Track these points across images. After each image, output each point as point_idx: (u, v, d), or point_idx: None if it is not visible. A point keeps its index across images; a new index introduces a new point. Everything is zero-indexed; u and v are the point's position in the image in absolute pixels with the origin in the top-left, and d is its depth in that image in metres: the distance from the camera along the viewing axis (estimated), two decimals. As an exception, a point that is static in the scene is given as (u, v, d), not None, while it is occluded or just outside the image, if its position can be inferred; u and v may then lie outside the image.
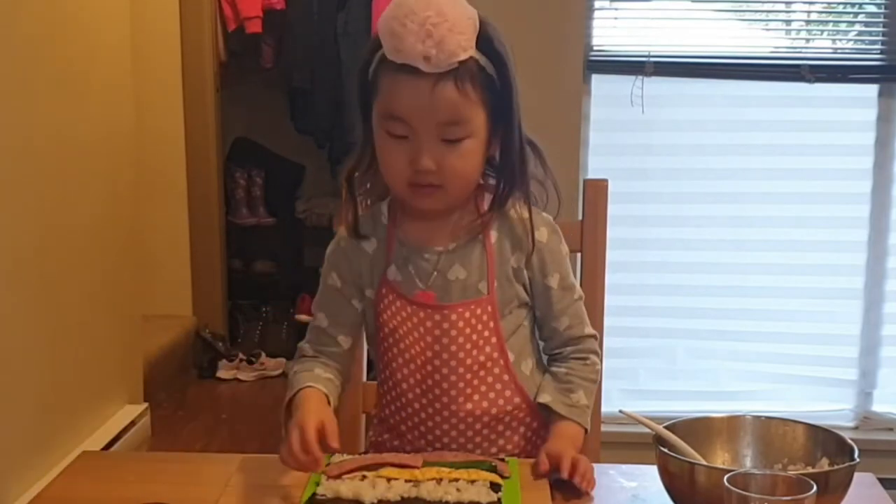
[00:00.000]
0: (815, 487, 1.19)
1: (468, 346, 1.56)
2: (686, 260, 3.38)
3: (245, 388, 4.53)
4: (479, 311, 1.56)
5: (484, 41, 1.47)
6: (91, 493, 1.47)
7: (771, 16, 3.51)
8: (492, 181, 1.58)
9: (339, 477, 1.43)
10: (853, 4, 3.46)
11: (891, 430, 3.40)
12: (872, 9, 3.38)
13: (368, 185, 1.60)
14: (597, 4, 3.26)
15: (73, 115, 3.10)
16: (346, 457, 1.51)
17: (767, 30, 3.53)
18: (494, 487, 1.41)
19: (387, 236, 1.59)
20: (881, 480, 1.50)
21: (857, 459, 1.34)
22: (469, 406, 1.58)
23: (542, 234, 1.59)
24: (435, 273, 1.56)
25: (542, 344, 1.65)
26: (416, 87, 1.45)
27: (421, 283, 1.57)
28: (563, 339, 1.62)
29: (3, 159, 2.67)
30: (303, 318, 4.92)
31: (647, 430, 1.41)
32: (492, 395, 1.58)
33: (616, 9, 3.36)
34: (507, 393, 1.59)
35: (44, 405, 2.91)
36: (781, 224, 3.35)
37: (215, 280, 4.79)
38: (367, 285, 1.61)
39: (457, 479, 1.41)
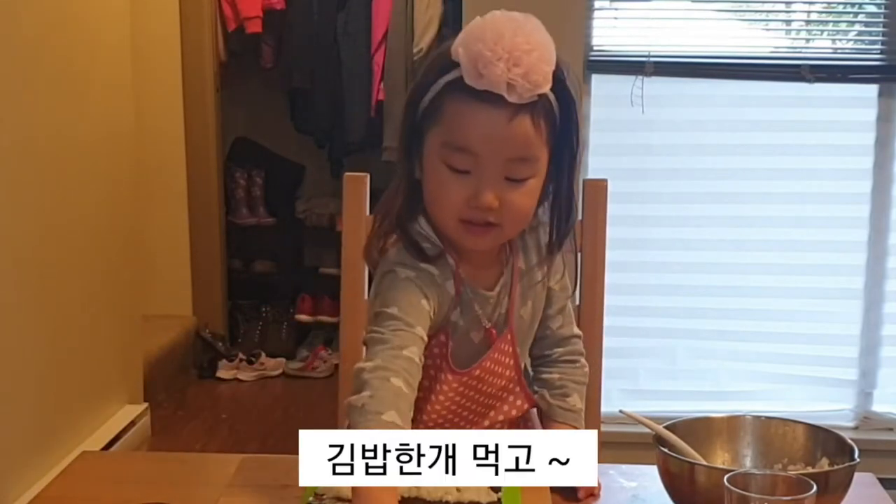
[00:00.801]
0: (815, 487, 1.19)
1: (493, 378, 1.54)
2: (686, 260, 3.38)
3: (245, 388, 4.53)
4: (504, 347, 1.53)
5: (557, 80, 1.39)
6: (91, 493, 1.47)
7: (771, 16, 3.51)
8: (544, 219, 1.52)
9: (339, 477, 1.43)
10: (853, 4, 3.46)
11: (891, 430, 3.40)
12: (872, 9, 3.38)
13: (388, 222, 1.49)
14: (597, 4, 3.26)
15: (73, 115, 3.11)
16: (346, 457, 1.51)
17: (767, 30, 3.53)
18: (494, 487, 1.41)
19: (455, 277, 1.48)
20: (881, 480, 1.50)
21: (857, 459, 1.34)
22: (486, 423, 1.58)
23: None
24: (496, 312, 1.52)
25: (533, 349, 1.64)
26: (492, 117, 1.36)
27: (486, 321, 1.51)
28: (555, 338, 1.62)
29: (3, 159, 2.68)
30: (303, 318, 4.93)
31: (647, 430, 1.41)
32: (506, 407, 1.58)
33: (616, 9, 3.36)
34: (519, 402, 1.59)
35: (44, 405, 2.91)
36: (781, 224, 3.35)
37: (215, 280, 4.79)
38: (433, 324, 1.45)
39: (457, 479, 1.41)
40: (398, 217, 1.46)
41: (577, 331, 1.63)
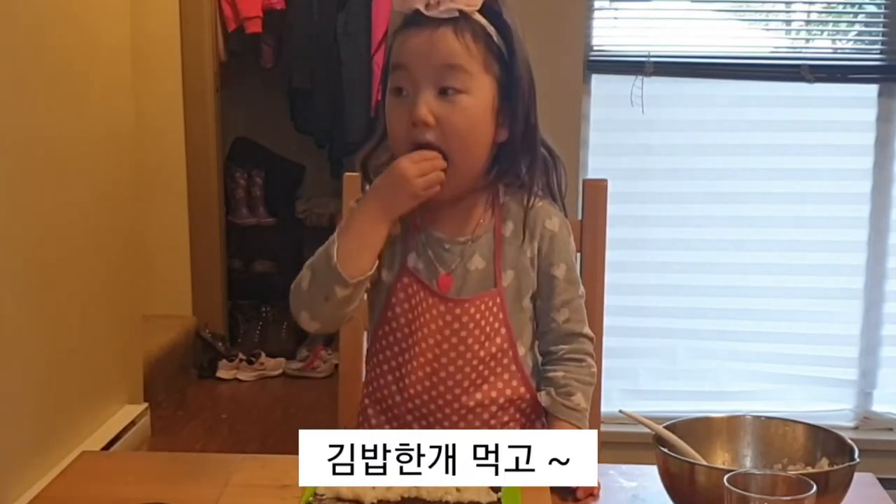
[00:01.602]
0: (815, 487, 1.19)
1: (482, 337, 1.56)
2: (686, 260, 3.38)
3: (245, 388, 4.53)
4: (490, 304, 1.57)
5: (491, 11, 1.52)
6: (91, 493, 1.47)
7: (771, 16, 3.51)
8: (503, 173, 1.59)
9: (339, 477, 1.43)
10: (853, 4, 3.46)
11: (891, 430, 3.40)
12: (872, 9, 3.38)
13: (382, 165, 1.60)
14: (597, 4, 3.26)
15: (73, 115, 3.11)
16: (346, 457, 1.51)
17: (767, 30, 3.53)
18: (494, 487, 1.41)
19: (411, 221, 1.59)
20: (881, 480, 1.50)
21: (857, 459, 1.34)
22: (478, 396, 1.58)
23: (553, 224, 1.60)
24: (458, 261, 1.58)
25: (538, 343, 1.64)
26: (416, 35, 1.50)
27: (442, 268, 1.58)
28: (561, 333, 1.61)
29: (3, 159, 2.68)
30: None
31: (647, 430, 1.41)
32: (500, 384, 1.59)
33: (616, 9, 3.36)
34: (514, 383, 1.59)
35: (44, 405, 2.91)
36: (781, 224, 3.35)
37: (215, 280, 4.79)
38: (387, 266, 1.60)
39: (457, 479, 1.41)
40: (361, 161, 1.65)
41: (587, 331, 1.63)
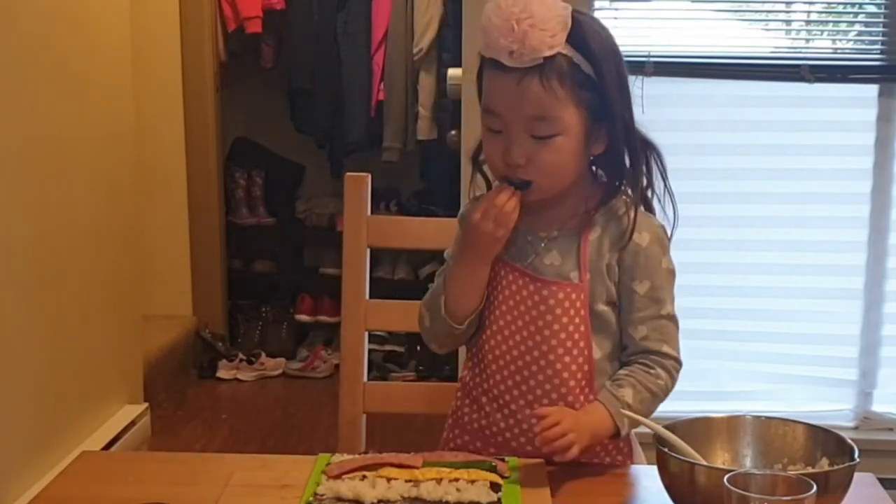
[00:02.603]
0: (815, 487, 1.19)
1: (569, 325, 1.56)
2: (686, 260, 3.33)
3: (245, 388, 4.53)
4: (572, 295, 1.56)
5: (577, 39, 1.51)
6: (91, 493, 1.47)
7: (771, 16, 3.51)
8: (604, 178, 1.60)
9: (339, 477, 1.43)
10: (853, 4, 3.46)
11: (891, 430, 3.40)
12: (872, 9, 3.38)
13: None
14: (597, 4, 3.26)
15: (73, 115, 3.11)
16: (346, 457, 1.51)
17: (767, 30, 3.53)
18: (494, 487, 1.41)
19: None
20: (881, 480, 1.50)
21: (857, 459, 1.34)
22: (551, 386, 1.56)
23: (642, 238, 1.58)
24: (533, 256, 1.59)
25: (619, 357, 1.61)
26: (503, 82, 1.51)
27: (518, 262, 1.59)
28: (638, 350, 1.58)
29: (3, 159, 2.68)
30: (303, 318, 4.93)
31: (647, 430, 1.41)
32: (572, 382, 1.56)
33: (616, 9, 3.36)
34: (584, 383, 1.57)
35: (44, 405, 2.91)
36: (781, 224, 3.35)
37: (215, 280, 4.79)
38: None
39: (457, 479, 1.42)
40: (473, 156, 1.65)
41: (667, 350, 1.57)
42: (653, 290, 1.57)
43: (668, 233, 1.62)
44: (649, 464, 1.47)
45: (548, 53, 1.48)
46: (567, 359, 1.56)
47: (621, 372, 1.57)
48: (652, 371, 1.56)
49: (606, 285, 1.58)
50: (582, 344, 1.56)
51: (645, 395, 1.54)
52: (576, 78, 1.51)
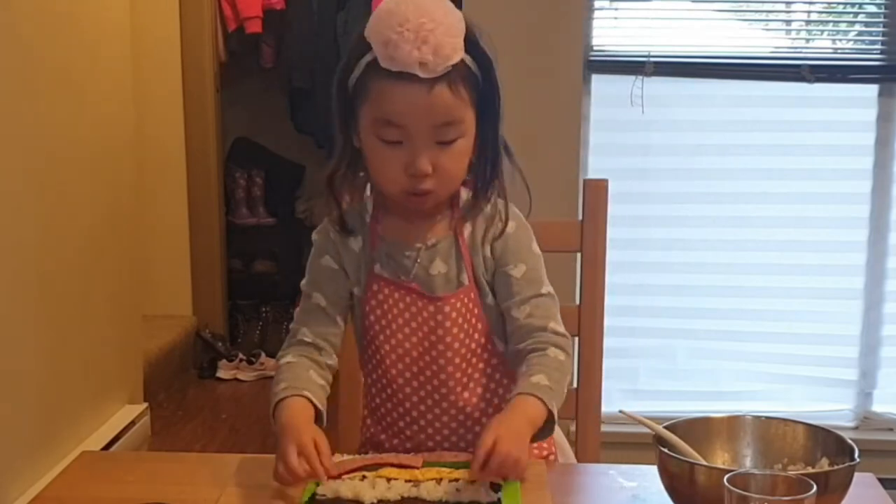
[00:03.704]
0: (815, 487, 1.19)
1: (461, 335, 1.56)
2: (686, 260, 3.38)
3: (245, 388, 4.53)
4: (466, 300, 1.57)
5: (470, 42, 1.49)
6: (91, 493, 1.47)
7: (771, 16, 3.51)
8: (468, 177, 1.59)
9: (339, 477, 1.43)
10: (853, 4, 3.46)
11: (891, 430, 3.40)
12: (872, 9, 3.38)
13: (348, 185, 1.62)
14: (597, 4, 3.26)
15: (74, 116, 3.10)
16: (346, 457, 1.51)
17: (767, 30, 3.53)
18: (494, 487, 1.41)
19: (370, 234, 1.61)
20: (881, 480, 1.50)
21: (857, 459, 1.34)
22: (466, 394, 1.58)
23: (509, 226, 1.59)
24: (416, 267, 1.57)
25: (507, 347, 1.61)
26: (411, 93, 1.46)
27: (404, 276, 1.58)
28: (523, 331, 1.56)
29: (3, 159, 2.68)
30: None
31: (647, 430, 1.41)
32: (484, 380, 1.59)
33: (616, 9, 3.36)
34: (497, 376, 1.59)
35: (44, 405, 2.91)
36: (781, 224, 3.35)
37: (215, 280, 4.79)
38: (355, 281, 1.62)
39: (457, 479, 1.41)
40: (327, 179, 1.62)
41: (553, 325, 1.57)
42: (529, 272, 1.58)
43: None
44: (646, 463, 1.47)
45: (457, 60, 1.46)
46: (463, 364, 1.57)
47: (521, 369, 1.54)
48: (546, 352, 1.54)
49: (487, 279, 1.58)
50: (483, 341, 1.58)
51: (555, 374, 1.52)
52: (471, 80, 1.50)
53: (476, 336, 1.58)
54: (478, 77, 1.51)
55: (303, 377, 1.56)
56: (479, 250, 1.58)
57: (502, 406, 1.55)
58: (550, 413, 1.48)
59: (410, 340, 1.58)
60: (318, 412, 1.53)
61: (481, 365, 1.59)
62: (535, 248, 1.61)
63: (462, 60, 1.47)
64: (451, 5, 1.49)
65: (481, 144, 1.56)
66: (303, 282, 1.64)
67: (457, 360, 1.57)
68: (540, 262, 1.60)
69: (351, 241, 1.61)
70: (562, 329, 1.58)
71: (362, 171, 1.59)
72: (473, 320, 1.57)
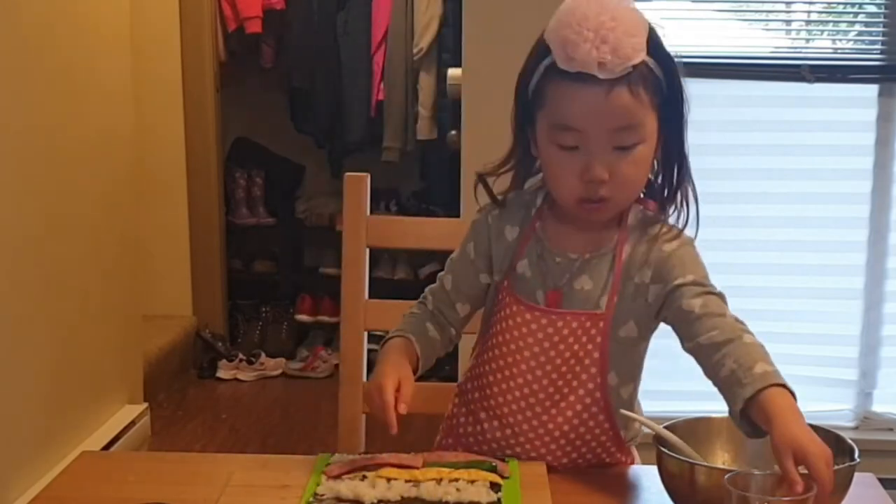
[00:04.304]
0: (815, 487, 1.19)
1: (580, 352, 1.51)
2: (686, 260, 3.37)
3: (245, 388, 4.53)
4: (589, 325, 1.51)
5: (653, 44, 1.46)
6: (91, 493, 1.47)
7: (771, 16, 3.51)
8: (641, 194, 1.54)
9: (339, 477, 1.43)
10: (853, 4, 3.46)
11: (891, 430, 3.40)
12: (872, 9, 3.38)
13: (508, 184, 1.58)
14: (597, 4, 3.26)
15: (73, 115, 3.11)
16: (346, 457, 1.51)
17: (767, 30, 3.53)
18: (494, 487, 1.41)
19: (528, 228, 1.56)
20: (881, 480, 1.50)
21: (857, 459, 1.34)
22: (554, 411, 1.53)
23: (671, 246, 1.53)
24: (565, 277, 1.52)
25: (703, 369, 1.50)
26: (589, 95, 1.41)
27: (551, 282, 1.53)
28: (703, 323, 1.47)
29: (3, 159, 2.68)
30: (303, 318, 4.93)
31: (647, 429, 1.41)
32: (579, 407, 1.53)
33: (616, 9, 3.36)
34: (595, 409, 1.54)
35: (44, 405, 2.91)
36: (781, 224, 3.35)
37: (215, 280, 4.79)
38: (497, 270, 1.58)
39: (457, 479, 1.42)
40: (480, 175, 1.56)
41: (733, 316, 1.49)
42: (697, 279, 1.50)
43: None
44: (646, 463, 1.47)
45: (638, 60, 1.42)
46: (578, 387, 1.53)
47: (722, 374, 1.42)
48: (744, 338, 1.44)
49: (635, 305, 1.52)
50: (594, 370, 1.52)
51: (764, 354, 1.43)
52: (654, 83, 1.45)
53: (587, 362, 1.52)
54: (661, 80, 1.46)
55: (416, 326, 1.59)
56: (632, 276, 1.51)
57: (592, 441, 1.54)
58: (792, 393, 1.35)
59: (521, 353, 1.53)
60: (417, 358, 1.56)
61: (581, 391, 1.53)
62: (701, 262, 1.55)
63: (644, 62, 1.43)
64: (633, 4, 1.45)
65: (664, 153, 1.51)
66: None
67: (571, 379, 1.52)
68: (706, 272, 1.53)
69: (507, 230, 1.57)
70: (740, 319, 1.50)
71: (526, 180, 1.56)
72: (591, 347, 1.51)
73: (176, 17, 4.50)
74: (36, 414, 2.87)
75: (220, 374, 4.57)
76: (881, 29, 3.29)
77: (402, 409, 1.42)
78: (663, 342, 3.69)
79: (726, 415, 1.47)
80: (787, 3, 3.47)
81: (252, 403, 4.38)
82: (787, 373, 1.41)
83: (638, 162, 1.47)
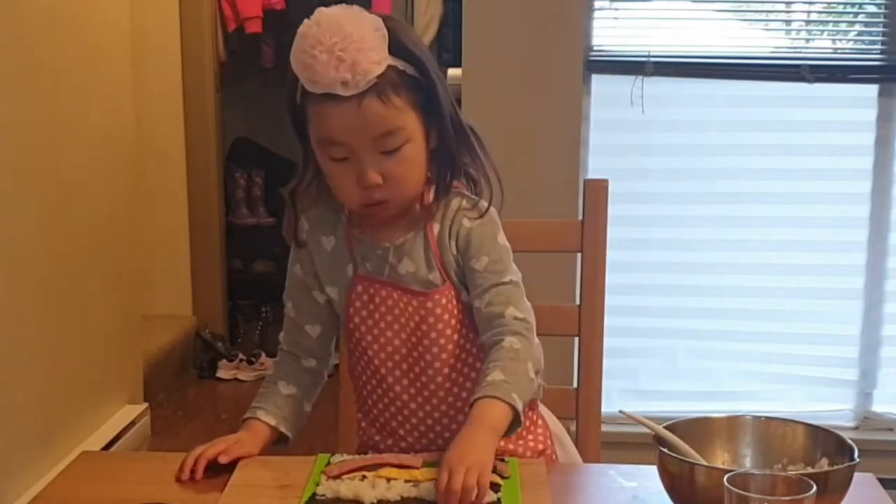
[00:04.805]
0: (814, 487, 1.19)
1: (447, 330, 1.57)
2: (686, 260, 3.38)
3: (245, 388, 4.52)
4: (445, 300, 1.57)
5: (396, 46, 1.48)
6: (91, 493, 1.47)
7: (771, 16, 3.51)
8: (432, 172, 1.59)
9: (339, 477, 1.44)
10: (853, 4, 3.46)
11: (891, 430, 3.40)
12: (872, 9, 3.38)
13: (314, 197, 1.64)
14: (597, 4, 3.26)
15: (74, 116, 3.11)
16: (346, 457, 1.52)
17: (767, 30, 3.53)
18: (494, 487, 1.41)
19: (346, 235, 1.62)
20: (881, 480, 1.50)
21: (857, 459, 1.34)
22: (455, 389, 1.59)
23: (471, 223, 1.58)
24: (388, 267, 1.58)
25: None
26: (342, 111, 1.47)
27: (378, 275, 1.59)
28: (485, 321, 1.56)
29: (3, 160, 2.68)
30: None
31: (647, 430, 1.41)
32: (473, 375, 1.58)
33: (616, 9, 3.36)
34: (463, 380, 1.59)
35: (44, 405, 2.91)
36: (781, 224, 3.35)
37: (215, 280, 4.79)
38: (327, 282, 1.63)
39: (457, 480, 1.41)
40: (290, 193, 1.66)
41: (512, 311, 1.55)
42: (491, 264, 1.57)
43: (498, 213, 1.61)
44: (646, 463, 1.47)
45: (379, 72, 1.45)
46: (452, 359, 1.58)
47: (483, 365, 1.53)
48: (503, 343, 1.52)
49: (459, 278, 1.59)
50: (472, 336, 1.58)
51: (511, 364, 1.49)
52: (406, 83, 1.49)
53: (463, 331, 1.58)
54: (415, 78, 1.50)
55: (267, 399, 1.67)
56: (447, 248, 1.58)
57: None
58: (514, 408, 1.46)
59: (400, 337, 1.58)
60: (272, 426, 1.63)
61: (470, 359, 1.59)
62: (501, 239, 1.60)
63: (390, 67, 1.47)
64: (367, 15, 1.47)
65: (440, 136, 1.55)
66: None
67: (444, 356, 1.57)
68: (506, 253, 1.59)
69: (324, 241, 1.63)
70: (521, 314, 1.56)
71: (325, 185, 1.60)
72: (459, 315, 1.58)
73: (176, 17, 4.50)
74: (36, 414, 2.87)
75: (220, 374, 4.57)
76: (881, 29, 3.29)
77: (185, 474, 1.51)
78: (663, 342, 3.72)
79: (726, 415, 1.48)
80: (787, 3, 3.47)
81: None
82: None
83: (407, 161, 1.52)
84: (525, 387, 1.49)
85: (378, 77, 1.45)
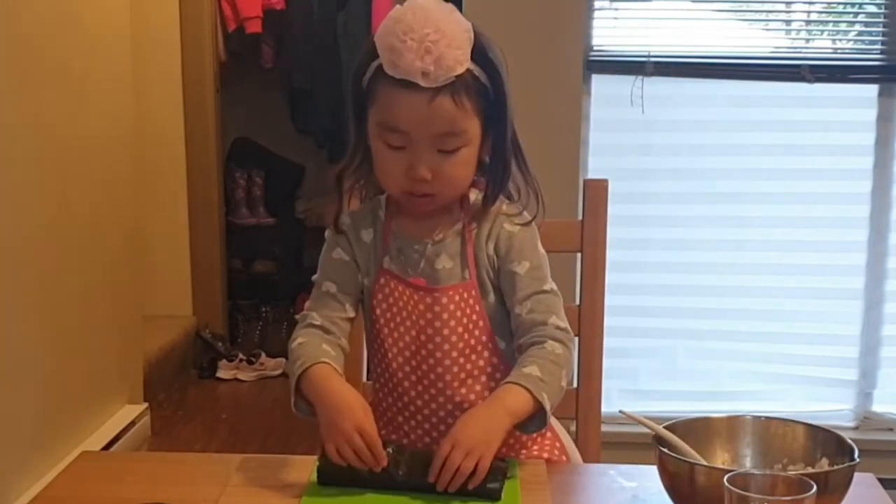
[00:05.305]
0: (814, 487, 1.19)
1: (459, 328, 1.58)
2: (686, 260, 3.38)
3: (245, 388, 4.53)
4: (465, 295, 1.58)
5: (478, 52, 1.51)
6: (91, 493, 1.47)
7: (771, 16, 3.51)
8: (481, 179, 1.62)
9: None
10: (853, 4, 3.46)
11: (891, 430, 3.40)
12: (872, 9, 3.38)
13: (362, 182, 1.65)
14: (597, 4, 3.26)
15: (74, 115, 3.11)
16: (346, 457, 1.51)
17: (767, 30, 3.53)
18: (500, 471, 1.41)
19: (383, 229, 1.63)
20: (881, 480, 1.50)
21: (857, 459, 1.34)
22: (463, 390, 1.59)
23: (512, 227, 1.60)
24: (423, 262, 1.59)
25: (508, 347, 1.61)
26: (413, 101, 1.48)
27: (412, 271, 1.60)
28: (526, 326, 1.57)
29: (3, 159, 2.68)
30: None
31: (647, 430, 1.41)
32: (484, 378, 1.59)
33: (616, 9, 3.36)
34: (498, 375, 1.59)
35: (44, 405, 2.91)
36: (781, 224, 3.35)
37: (215, 280, 4.79)
38: (363, 273, 1.64)
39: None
40: (337, 175, 1.64)
41: (554, 320, 1.57)
42: (532, 270, 1.59)
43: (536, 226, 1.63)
44: (646, 463, 1.47)
45: (459, 71, 1.48)
46: (461, 359, 1.58)
47: (520, 359, 1.55)
48: (545, 345, 1.54)
49: (490, 277, 1.60)
50: (485, 338, 1.58)
51: (550, 366, 1.51)
52: (479, 90, 1.52)
53: (476, 332, 1.59)
54: (487, 87, 1.52)
55: (317, 350, 1.57)
56: (483, 248, 1.60)
57: None
58: (540, 404, 1.47)
59: (410, 333, 1.59)
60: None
61: (481, 362, 1.59)
62: (541, 249, 1.63)
63: (469, 71, 1.50)
64: (460, 16, 1.50)
65: (494, 148, 1.58)
66: (315, 276, 1.67)
67: (454, 354, 1.58)
68: (545, 261, 1.62)
69: (363, 234, 1.64)
70: (564, 324, 1.58)
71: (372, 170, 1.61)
72: (474, 316, 1.59)
73: (176, 17, 4.50)
74: (36, 414, 2.87)
75: (220, 374, 4.57)
76: (881, 29, 3.29)
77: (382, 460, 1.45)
78: (663, 342, 3.71)
79: (726, 415, 1.49)
80: (787, 3, 3.47)
81: (252, 403, 4.37)
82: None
83: (460, 163, 1.54)
84: (556, 392, 1.50)
85: (457, 77, 1.48)
